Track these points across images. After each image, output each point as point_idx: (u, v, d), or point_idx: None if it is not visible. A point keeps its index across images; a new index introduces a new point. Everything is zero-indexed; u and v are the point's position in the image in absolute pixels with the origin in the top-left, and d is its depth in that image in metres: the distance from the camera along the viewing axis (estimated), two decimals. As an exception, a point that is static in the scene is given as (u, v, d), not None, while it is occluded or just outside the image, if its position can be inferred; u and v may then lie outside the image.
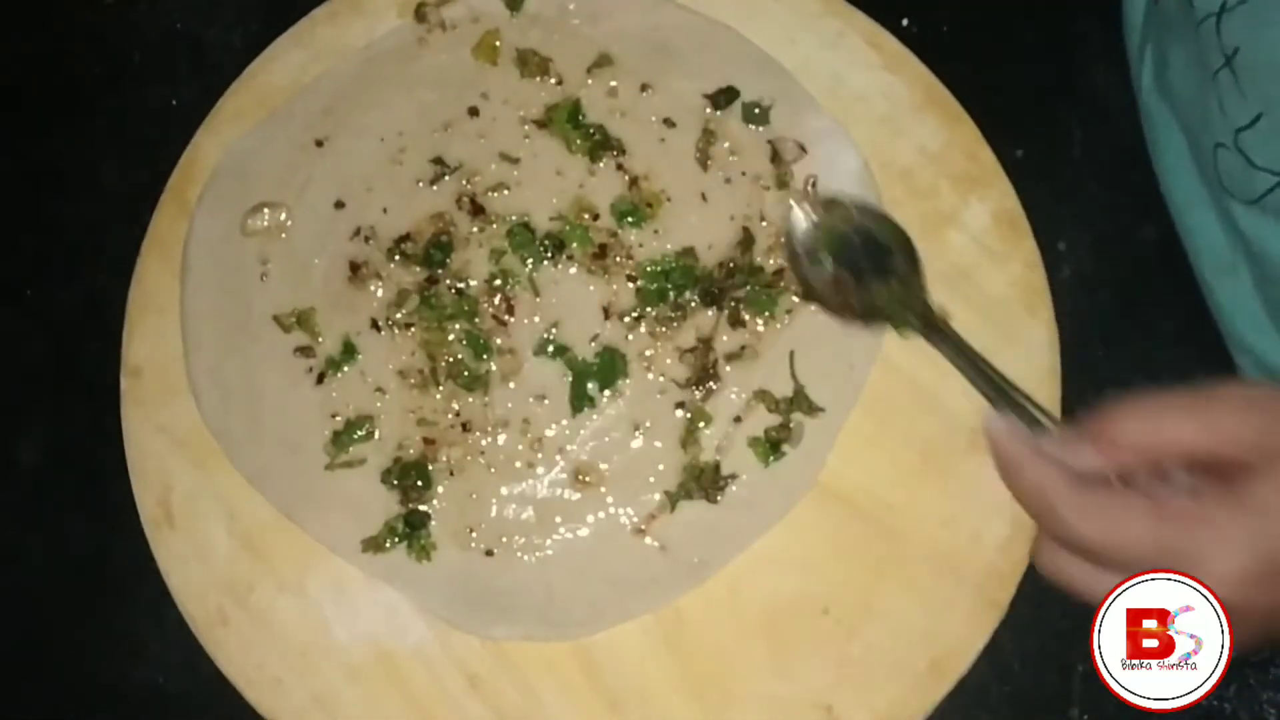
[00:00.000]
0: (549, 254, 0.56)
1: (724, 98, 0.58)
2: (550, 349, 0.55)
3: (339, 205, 0.57)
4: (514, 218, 0.57)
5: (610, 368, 0.54)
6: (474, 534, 0.54)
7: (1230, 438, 0.38)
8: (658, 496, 0.54)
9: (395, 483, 0.54)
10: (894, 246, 0.54)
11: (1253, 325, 0.53)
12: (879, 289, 0.52)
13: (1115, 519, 0.38)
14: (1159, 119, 0.56)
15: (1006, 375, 0.48)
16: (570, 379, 0.55)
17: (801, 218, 0.53)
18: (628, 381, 0.55)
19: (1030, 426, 0.45)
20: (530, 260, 0.56)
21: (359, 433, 0.54)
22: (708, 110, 0.58)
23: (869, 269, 0.53)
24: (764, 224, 0.56)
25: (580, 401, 0.54)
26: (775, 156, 0.57)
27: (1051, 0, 0.62)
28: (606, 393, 0.55)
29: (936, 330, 0.51)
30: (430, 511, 0.54)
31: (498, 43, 0.58)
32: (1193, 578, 0.38)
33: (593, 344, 0.55)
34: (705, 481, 0.54)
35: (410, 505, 0.54)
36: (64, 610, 0.57)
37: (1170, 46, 0.54)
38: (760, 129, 0.58)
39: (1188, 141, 0.54)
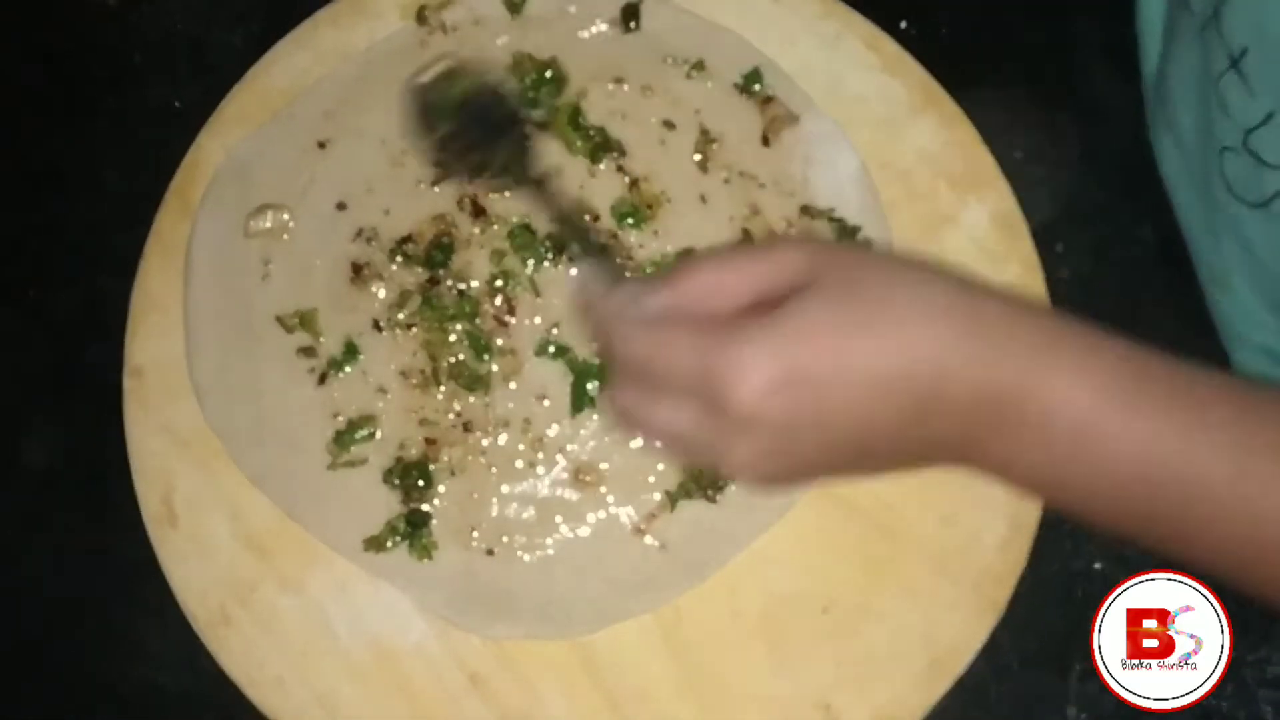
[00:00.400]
0: (550, 255, 0.56)
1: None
2: (551, 349, 0.55)
3: (341, 206, 0.58)
4: (515, 219, 0.57)
5: (610, 368, 0.55)
6: (475, 533, 0.54)
7: (783, 275, 0.39)
8: (658, 496, 0.54)
9: (397, 482, 0.54)
10: (515, 113, 0.56)
11: (1254, 324, 0.53)
12: (497, 148, 0.54)
13: (661, 332, 0.39)
14: (1163, 126, 0.56)
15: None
16: (571, 379, 0.55)
17: (428, 74, 0.55)
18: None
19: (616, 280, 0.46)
20: (531, 261, 0.56)
21: (361, 433, 0.55)
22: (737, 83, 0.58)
23: (489, 131, 0.55)
24: (758, 215, 0.57)
25: (580, 402, 0.55)
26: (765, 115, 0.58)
27: (1050, 2, 0.62)
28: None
29: (541, 188, 0.53)
30: (431, 511, 0.54)
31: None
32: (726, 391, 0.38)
33: (593, 344, 0.55)
34: (705, 481, 0.54)
35: (412, 505, 0.54)
36: (66, 609, 0.57)
37: (1176, 54, 0.54)
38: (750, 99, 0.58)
39: (1189, 149, 0.54)
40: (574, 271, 0.48)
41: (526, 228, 0.57)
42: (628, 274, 0.45)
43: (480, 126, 0.55)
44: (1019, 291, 0.44)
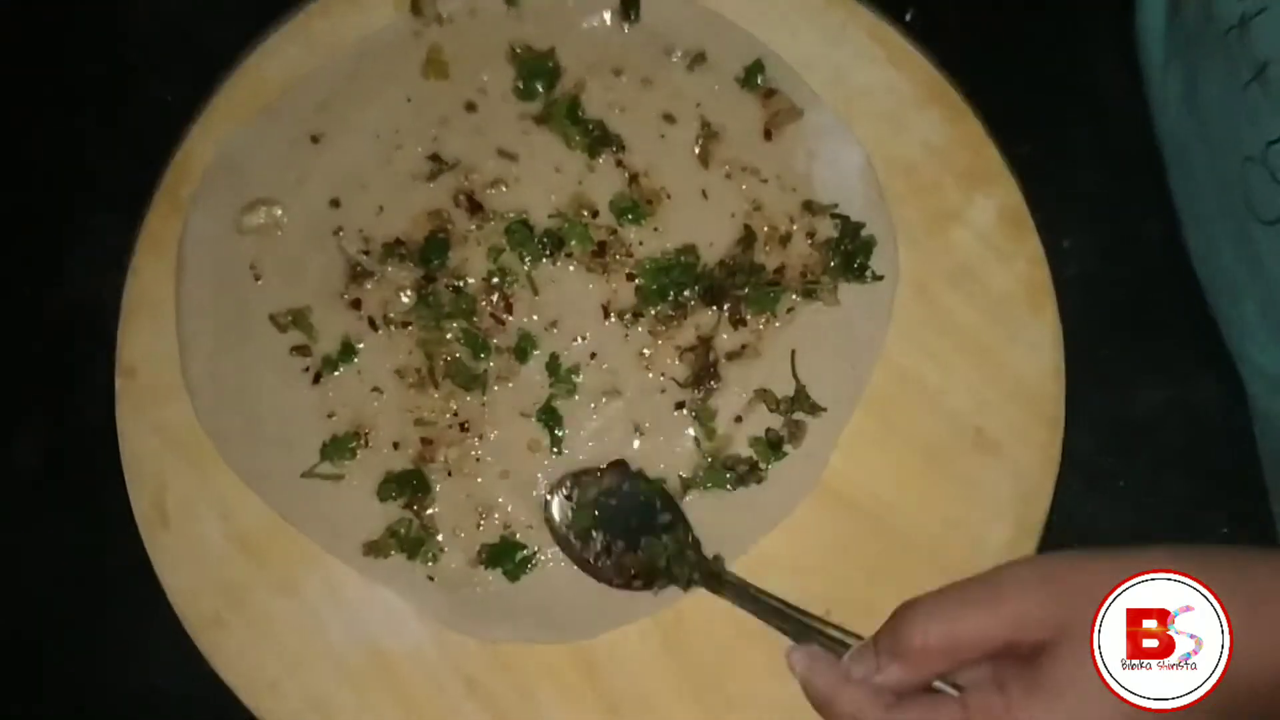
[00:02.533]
0: (548, 252, 0.56)
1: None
2: (546, 362, 0.55)
3: (334, 203, 0.57)
4: (512, 215, 0.56)
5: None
6: (472, 535, 0.53)
7: (1025, 623, 0.38)
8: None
9: (393, 496, 0.53)
10: (656, 501, 0.53)
11: (1258, 346, 0.53)
12: (655, 548, 0.52)
13: None
14: (1183, 136, 0.55)
15: (805, 610, 0.49)
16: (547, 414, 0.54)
17: (558, 504, 0.53)
18: (628, 381, 0.55)
19: (835, 649, 0.45)
20: (529, 258, 0.56)
21: (351, 445, 0.54)
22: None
23: (637, 530, 0.52)
24: (759, 211, 0.56)
25: (555, 444, 0.54)
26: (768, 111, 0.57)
27: (1058, -6, 0.61)
28: (605, 397, 0.54)
29: (718, 579, 0.51)
30: (432, 516, 0.54)
31: (443, 57, 0.57)
32: None
33: (579, 342, 0.55)
34: (731, 463, 0.53)
35: (414, 511, 0.53)
36: (58, 612, 0.56)
37: (1199, 61, 0.53)
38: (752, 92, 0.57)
39: (1213, 159, 0.53)
40: (794, 655, 0.46)
41: (524, 223, 0.56)
42: (843, 639, 0.44)
43: (625, 528, 0.52)
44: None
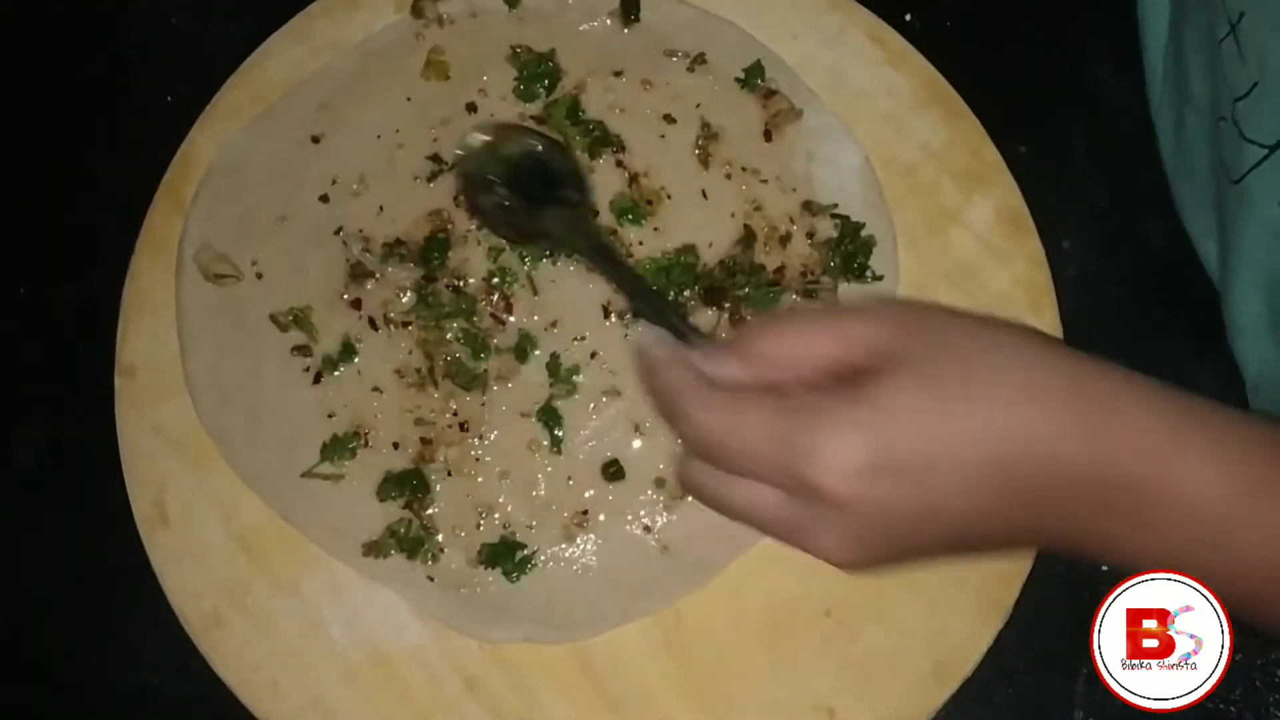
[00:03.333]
0: (548, 252, 0.56)
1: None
2: (546, 362, 0.55)
3: (335, 203, 0.57)
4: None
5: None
6: (472, 535, 0.53)
7: (860, 346, 0.38)
8: (659, 497, 0.53)
9: (393, 496, 0.53)
10: (566, 175, 0.54)
11: (1252, 337, 0.53)
12: (549, 214, 0.52)
13: (736, 410, 0.38)
14: (1173, 104, 0.55)
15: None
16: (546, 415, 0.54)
17: (475, 139, 0.53)
18: (628, 381, 0.54)
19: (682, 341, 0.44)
20: (528, 258, 0.56)
21: (352, 444, 0.54)
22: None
23: (539, 195, 0.53)
24: (759, 211, 0.56)
25: (555, 444, 0.54)
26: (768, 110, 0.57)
27: (1056, -5, 0.61)
28: (605, 397, 0.54)
29: (602, 254, 0.51)
30: (435, 515, 0.53)
31: (444, 59, 0.57)
32: (806, 471, 0.37)
33: (579, 342, 0.55)
34: None
35: (414, 511, 0.53)
36: (58, 611, 0.56)
37: (1186, 15, 0.53)
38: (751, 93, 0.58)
39: (1199, 123, 0.53)
40: (633, 332, 0.47)
41: None
42: (693, 337, 0.43)
43: (529, 192, 0.53)
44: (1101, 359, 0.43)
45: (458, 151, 0.54)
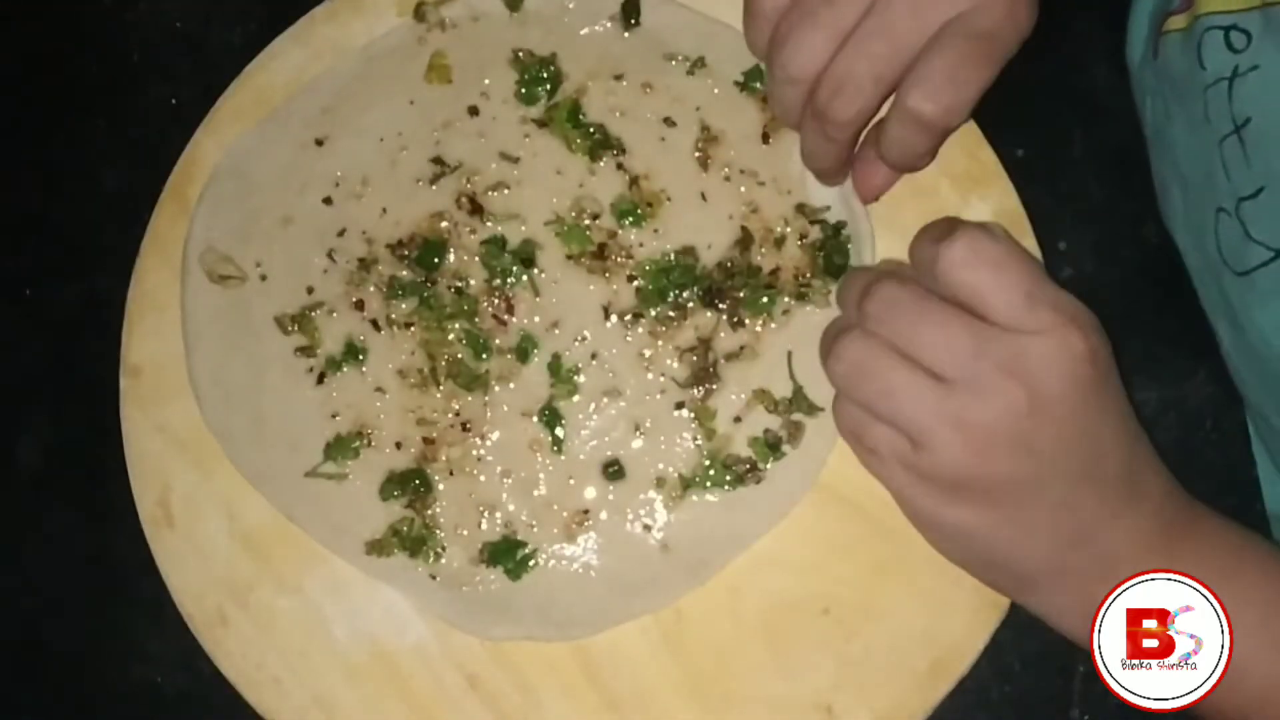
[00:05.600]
0: (519, 262, 0.56)
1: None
2: (548, 363, 0.55)
3: (339, 206, 0.57)
4: (514, 217, 0.56)
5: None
6: (474, 534, 0.54)
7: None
8: (660, 497, 0.54)
9: (395, 495, 0.54)
10: None
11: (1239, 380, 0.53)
12: None
13: (944, 310, 0.45)
14: (1161, 165, 0.56)
15: None
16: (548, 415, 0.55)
17: None
18: (629, 381, 0.55)
19: None
20: (516, 266, 0.56)
21: (355, 444, 0.54)
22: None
23: None
24: (756, 213, 0.56)
25: (556, 443, 0.54)
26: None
27: (1053, -1, 0.61)
28: (605, 397, 0.55)
29: None
30: (438, 514, 0.54)
31: (446, 62, 0.58)
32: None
33: (580, 343, 0.55)
34: (730, 462, 0.54)
35: (416, 510, 0.54)
36: (63, 610, 0.57)
37: (1173, 104, 0.53)
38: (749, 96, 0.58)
39: (1186, 198, 0.54)
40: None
41: (497, 241, 0.56)
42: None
43: None
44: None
45: None
